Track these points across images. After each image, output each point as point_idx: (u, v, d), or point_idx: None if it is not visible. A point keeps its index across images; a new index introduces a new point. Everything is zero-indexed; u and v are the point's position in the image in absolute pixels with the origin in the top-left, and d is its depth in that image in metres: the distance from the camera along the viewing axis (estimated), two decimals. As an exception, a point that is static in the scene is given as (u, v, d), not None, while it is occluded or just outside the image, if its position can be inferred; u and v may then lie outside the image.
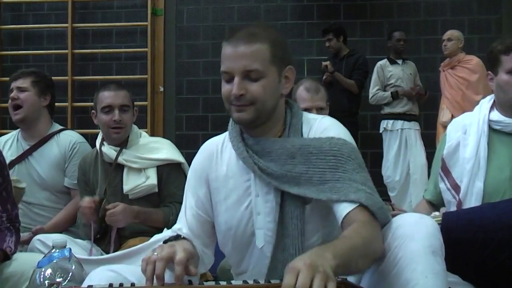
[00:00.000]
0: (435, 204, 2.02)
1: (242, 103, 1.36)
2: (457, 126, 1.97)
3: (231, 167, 1.47)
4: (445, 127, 4.51)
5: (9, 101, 2.58)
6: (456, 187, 1.87)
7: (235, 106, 1.38)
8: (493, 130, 1.89)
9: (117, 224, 2.20)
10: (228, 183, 1.46)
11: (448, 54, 4.58)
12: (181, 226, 1.51)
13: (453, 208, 1.87)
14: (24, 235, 2.20)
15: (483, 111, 1.92)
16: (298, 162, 1.35)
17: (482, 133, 1.86)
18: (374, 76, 4.73)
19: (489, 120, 1.89)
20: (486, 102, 1.96)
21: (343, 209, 1.27)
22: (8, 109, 2.61)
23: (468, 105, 4.44)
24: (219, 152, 1.51)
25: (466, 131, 1.92)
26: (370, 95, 4.71)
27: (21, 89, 2.57)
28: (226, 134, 1.53)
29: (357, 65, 4.67)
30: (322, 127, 1.43)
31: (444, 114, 4.58)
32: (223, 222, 1.47)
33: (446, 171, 1.93)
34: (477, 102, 4.65)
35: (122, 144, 2.36)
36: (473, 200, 1.79)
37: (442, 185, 1.93)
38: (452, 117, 4.50)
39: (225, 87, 1.39)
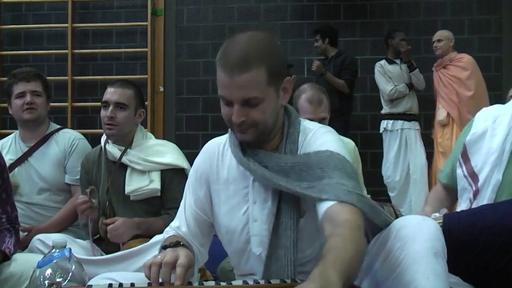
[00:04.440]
0: (451, 187, 1.98)
1: (243, 127, 1.37)
2: (487, 115, 1.92)
3: (231, 171, 1.48)
4: (443, 125, 4.54)
5: (21, 102, 2.53)
6: (473, 175, 1.83)
7: (237, 128, 1.39)
8: None
9: (120, 240, 2.18)
10: (229, 188, 1.47)
11: (440, 55, 4.60)
12: (180, 224, 1.53)
13: (467, 195, 1.84)
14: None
15: None
16: (293, 179, 1.36)
17: None
18: (381, 77, 4.71)
19: None
20: None
21: (327, 203, 1.26)
22: (15, 108, 2.57)
23: (462, 103, 4.47)
24: (220, 154, 1.52)
25: (496, 120, 1.86)
26: (388, 92, 4.64)
27: (36, 93, 2.57)
28: (228, 135, 1.53)
29: (344, 65, 4.66)
30: (315, 137, 1.43)
31: (439, 113, 4.59)
32: (222, 225, 1.49)
33: (465, 157, 1.88)
34: (469, 98, 4.67)
35: (127, 144, 2.35)
36: (489, 191, 1.76)
37: (459, 171, 1.89)
38: (448, 115, 4.53)
39: (226, 110, 1.40)
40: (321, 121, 2.42)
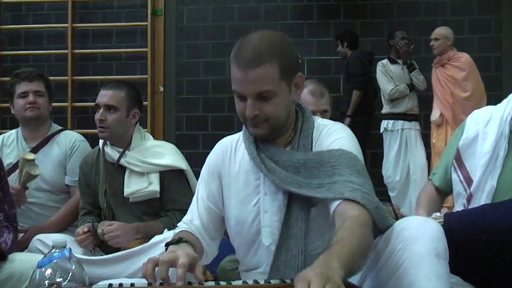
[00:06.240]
0: (442, 190, 1.98)
1: (257, 121, 1.41)
2: (478, 119, 1.91)
3: (243, 165, 1.52)
4: (437, 126, 4.53)
5: (24, 102, 2.55)
6: (468, 180, 1.84)
7: (250, 122, 1.43)
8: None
9: (120, 244, 2.16)
10: (239, 180, 1.51)
11: (437, 54, 4.57)
12: (193, 217, 1.56)
13: (462, 201, 1.84)
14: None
15: (508, 111, 1.84)
16: (303, 175, 1.40)
17: (503, 133, 1.80)
18: (382, 76, 4.71)
19: (511, 124, 1.82)
20: None
21: (336, 201, 1.31)
22: (18, 108, 2.58)
23: (457, 103, 4.44)
24: (233, 150, 1.57)
25: (487, 124, 1.86)
26: (388, 91, 4.63)
27: (38, 93, 2.58)
28: (241, 133, 1.57)
29: (347, 71, 4.74)
30: (328, 133, 1.48)
31: (433, 113, 4.58)
32: (232, 217, 1.52)
33: (459, 162, 1.88)
34: (465, 99, 4.60)
35: (125, 145, 2.34)
36: (484, 197, 1.77)
37: (454, 176, 1.89)
38: (441, 115, 4.51)
39: (239, 105, 1.44)
40: (323, 113, 2.46)
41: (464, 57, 4.53)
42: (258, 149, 1.48)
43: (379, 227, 1.30)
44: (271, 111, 1.40)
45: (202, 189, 1.59)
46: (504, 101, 1.89)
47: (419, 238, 1.17)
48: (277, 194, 1.44)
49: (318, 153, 1.42)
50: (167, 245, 1.40)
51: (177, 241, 1.40)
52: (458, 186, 1.88)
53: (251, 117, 1.40)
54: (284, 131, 1.49)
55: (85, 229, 2.19)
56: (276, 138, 1.48)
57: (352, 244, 1.12)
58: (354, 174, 1.34)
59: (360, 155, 1.43)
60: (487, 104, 2.02)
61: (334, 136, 1.46)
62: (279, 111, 1.41)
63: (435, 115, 4.55)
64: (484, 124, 1.87)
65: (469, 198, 1.81)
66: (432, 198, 1.98)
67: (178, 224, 1.60)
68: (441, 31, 4.58)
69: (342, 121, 4.49)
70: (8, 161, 2.54)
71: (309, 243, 1.38)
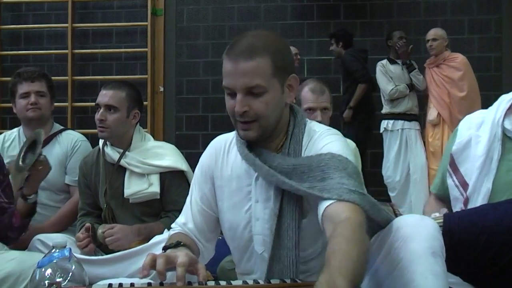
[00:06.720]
0: (442, 197, 1.97)
1: (246, 120, 1.37)
2: (470, 123, 1.91)
3: (235, 168, 1.48)
4: (434, 125, 4.54)
5: (26, 102, 2.54)
6: (464, 184, 1.83)
7: (240, 123, 1.38)
8: (505, 135, 1.82)
9: (121, 247, 2.16)
10: (232, 184, 1.48)
11: (434, 54, 4.57)
12: (186, 220, 1.54)
13: (460, 205, 1.84)
14: None
15: (499, 113, 1.83)
16: (294, 181, 1.35)
17: (496, 135, 1.80)
18: (382, 76, 4.71)
19: (503, 126, 1.82)
20: (505, 102, 1.86)
21: (325, 202, 1.25)
22: (20, 108, 2.58)
23: (454, 103, 4.45)
24: (225, 151, 1.53)
25: (480, 128, 1.86)
26: (388, 91, 4.62)
27: (40, 94, 2.58)
28: (234, 133, 1.53)
29: (345, 69, 4.75)
30: (319, 139, 1.43)
31: (430, 113, 4.58)
32: (225, 220, 1.51)
33: (454, 167, 1.88)
34: (461, 99, 4.63)
35: (125, 145, 2.34)
36: (480, 200, 1.76)
37: (449, 181, 1.89)
38: (438, 115, 4.51)
39: (229, 102, 1.39)
40: (323, 111, 2.44)
41: (460, 57, 4.54)
42: (251, 151, 1.43)
43: (379, 223, 1.29)
44: (261, 109, 1.35)
45: (195, 191, 1.56)
46: (495, 104, 1.89)
47: (415, 236, 1.17)
48: (268, 201, 1.41)
49: (308, 158, 1.38)
50: (165, 249, 1.38)
51: (175, 245, 1.38)
52: (454, 191, 1.88)
53: (240, 113, 1.35)
54: (275, 135, 1.44)
55: (87, 226, 2.19)
56: (267, 142, 1.43)
57: (352, 255, 1.04)
58: (344, 177, 1.28)
59: (350, 157, 1.36)
60: (488, 104, 2.01)
61: (323, 141, 1.41)
62: (268, 110, 1.36)
63: (432, 114, 4.55)
64: (476, 128, 1.88)
65: (466, 202, 1.81)
66: (435, 209, 1.97)
67: (172, 226, 1.58)
68: (438, 32, 4.59)
69: (342, 120, 4.60)
70: (8, 159, 2.54)
71: (300, 251, 1.36)
